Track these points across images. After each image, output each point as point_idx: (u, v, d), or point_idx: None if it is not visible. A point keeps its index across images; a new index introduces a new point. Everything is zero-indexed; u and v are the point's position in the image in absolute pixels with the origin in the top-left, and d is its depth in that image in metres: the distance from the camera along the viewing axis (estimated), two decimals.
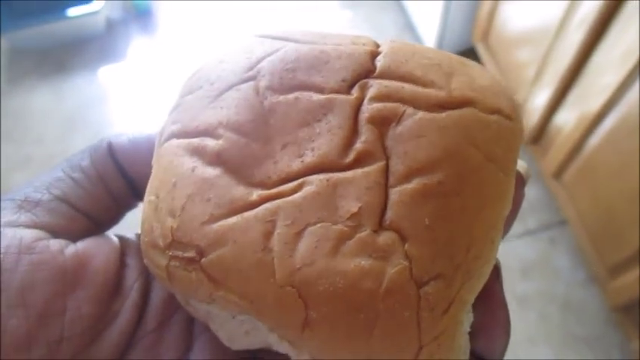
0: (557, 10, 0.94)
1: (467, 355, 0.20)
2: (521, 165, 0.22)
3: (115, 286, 0.21)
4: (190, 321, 0.23)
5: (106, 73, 1.56)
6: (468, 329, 0.20)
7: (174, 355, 0.22)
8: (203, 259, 0.18)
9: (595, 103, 0.89)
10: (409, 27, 1.58)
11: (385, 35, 1.54)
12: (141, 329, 0.22)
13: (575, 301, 1.13)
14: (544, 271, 1.17)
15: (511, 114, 0.21)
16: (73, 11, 1.52)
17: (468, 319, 0.20)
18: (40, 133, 1.44)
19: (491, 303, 0.21)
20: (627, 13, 0.79)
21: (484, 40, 1.28)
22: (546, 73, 1.02)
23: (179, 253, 0.19)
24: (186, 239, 0.19)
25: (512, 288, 1.15)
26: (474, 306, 0.20)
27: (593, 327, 1.10)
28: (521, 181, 0.21)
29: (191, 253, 0.19)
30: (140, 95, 1.50)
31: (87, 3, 1.53)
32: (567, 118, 1.00)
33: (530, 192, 1.27)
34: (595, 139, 0.93)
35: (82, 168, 0.22)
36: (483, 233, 0.19)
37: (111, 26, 1.65)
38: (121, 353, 0.21)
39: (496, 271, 0.21)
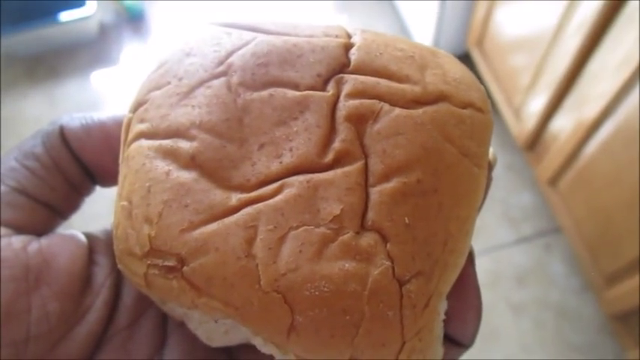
0: (553, 15, 0.93)
1: (441, 341, 0.20)
2: (489, 152, 0.22)
3: (83, 283, 0.21)
4: (164, 317, 0.23)
5: (98, 78, 1.55)
6: (443, 317, 0.20)
7: (147, 352, 0.22)
8: (185, 268, 0.18)
9: (591, 111, 0.88)
10: (404, 32, 1.58)
11: None
12: (112, 327, 0.21)
13: (569, 309, 1.13)
14: (539, 279, 1.17)
15: (482, 107, 0.21)
16: (65, 16, 1.51)
17: (442, 307, 0.20)
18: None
19: (464, 288, 0.21)
20: (624, 20, 0.78)
21: (479, 45, 1.28)
22: (542, 79, 1.02)
23: (158, 262, 0.18)
24: (165, 247, 0.18)
25: (508, 295, 1.14)
26: (448, 292, 0.20)
27: (588, 335, 1.10)
28: (489, 166, 0.22)
29: (171, 262, 0.18)
30: None
31: (79, 7, 1.51)
32: (563, 125, 1.00)
33: (525, 198, 1.26)
34: (591, 147, 0.92)
35: (35, 156, 0.21)
36: (459, 227, 0.19)
37: (103, 31, 1.64)
38: (91, 352, 0.20)
39: (470, 257, 0.21)
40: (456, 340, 0.21)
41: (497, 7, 1.14)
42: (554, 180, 1.07)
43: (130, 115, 0.21)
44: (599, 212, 0.94)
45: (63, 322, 0.20)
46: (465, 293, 0.21)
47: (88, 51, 1.60)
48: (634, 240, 0.85)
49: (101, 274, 0.21)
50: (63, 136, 0.22)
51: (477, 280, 0.22)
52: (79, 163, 0.22)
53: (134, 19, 1.66)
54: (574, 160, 0.98)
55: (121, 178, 0.20)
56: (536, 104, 1.05)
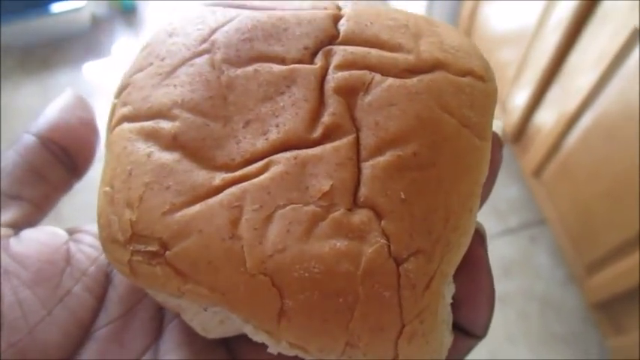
0: (533, 13, 0.95)
1: (450, 327, 0.19)
2: (497, 126, 0.20)
3: (58, 268, 0.20)
4: (160, 308, 0.22)
5: (90, 70, 1.55)
6: (450, 301, 0.19)
7: (142, 343, 0.21)
8: (167, 252, 0.17)
9: (571, 104, 0.90)
10: None
11: None
12: (101, 318, 0.21)
13: (554, 300, 1.14)
14: (524, 270, 1.18)
15: (483, 75, 0.20)
16: (57, 7, 1.50)
17: (449, 290, 0.19)
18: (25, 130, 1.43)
19: (474, 271, 0.20)
20: (599, 17, 0.80)
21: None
22: (525, 74, 1.03)
23: (141, 247, 0.18)
24: (147, 232, 0.17)
25: None
26: (456, 275, 0.19)
27: (572, 325, 1.11)
28: (497, 142, 0.20)
29: (154, 247, 0.17)
30: None
31: None
32: (546, 118, 1.01)
33: (511, 191, 1.28)
34: (572, 139, 0.94)
35: (6, 158, 0.22)
36: (461, 203, 0.18)
37: (95, 23, 1.64)
38: (79, 340, 0.20)
39: (480, 238, 0.20)
40: (467, 330, 0.20)
41: (482, 6, 1.16)
42: (538, 171, 1.09)
43: (115, 100, 0.20)
44: (580, 202, 0.96)
45: (39, 307, 0.20)
46: (475, 276, 0.20)
47: (80, 42, 1.60)
48: (613, 229, 0.87)
49: (84, 261, 0.21)
50: (35, 134, 0.22)
51: (489, 263, 0.20)
52: (56, 155, 0.22)
53: (126, 11, 1.66)
54: (556, 152, 0.99)
55: (104, 164, 0.20)
56: (521, 97, 1.07)
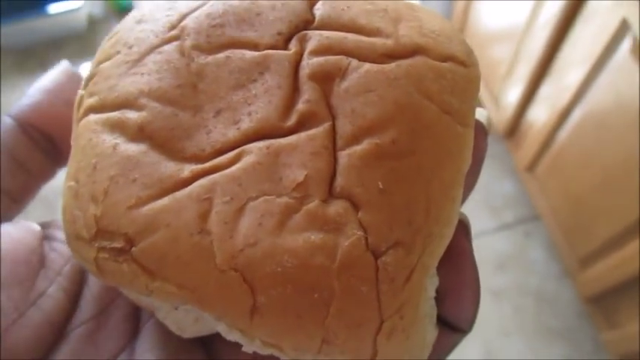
0: (524, 9, 0.96)
1: (434, 322, 0.18)
2: (481, 114, 0.20)
3: (33, 270, 0.20)
4: (136, 307, 0.21)
5: (87, 71, 1.56)
6: (434, 294, 0.18)
7: (117, 344, 0.20)
8: (133, 249, 0.16)
9: (563, 98, 0.91)
10: None
11: None
12: (75, 318, 0.20)
13: (549, 294, 1.14)
14: (519, 265, 1.18)
15: (465, 60, 0.19)
16: (54, 8, 1.51)
17: (432, 283, 0.18)
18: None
19: (458, 262, 0.19)
20: (589, 10, 0.81)
21: None
22: (517, 70, 1.04)
23: (106, 244, 0.17)
24: (112, 227, 0.16)
25: (488, 281, 1.16)
26: (440, 267, 0.18)
27: (567, 320, 1.11)
28: (482, 131, 0.20)
29: (119, 243, 0.16)
30: None
31: (68, 0, 1.53)
32: (539, 113, 1.02)
33: (506, 186, 1.28)
34: (564, 133, 0.95)
35: None
36: (443, 193, 0.17)
37: (92, 24, 1.65)
38: (51, 341, 0.19)
39: (464, 229, 0.19)
40: (452, 324, 0.19)
41: (474, 4, 1.17)
42: (531, 166, 1.09)
43: (82, 91, 0.20)
44: (572, 196, 0.96)
45: (11, 310, 0.19)
46: (460, 269, 0.19)
47: (76, 43, 1.61)
48: (605, 221, 0.87)
49: (59, 261, 0.20)
50: (14, 118, 0.21)
51: (474, 255, 0.19)
52: (37, 141, 0.21)
53: (123, 12, 1.67)
54: (548, 147, 1.00)
55: (70, 158, 0.19)
56: (514, 94, 1.08)
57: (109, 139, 0.17)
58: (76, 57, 1.58)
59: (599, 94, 0.82)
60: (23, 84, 1.52)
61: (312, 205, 0.16)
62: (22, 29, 1.52)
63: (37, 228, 0.21)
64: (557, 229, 1.04)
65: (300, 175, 0.16)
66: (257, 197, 0.16)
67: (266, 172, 0.16)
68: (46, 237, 0.21)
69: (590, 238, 0.93)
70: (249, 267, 0.15)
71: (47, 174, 0.22)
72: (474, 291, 0.19)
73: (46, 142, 0.22)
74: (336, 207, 0.16)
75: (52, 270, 0.20)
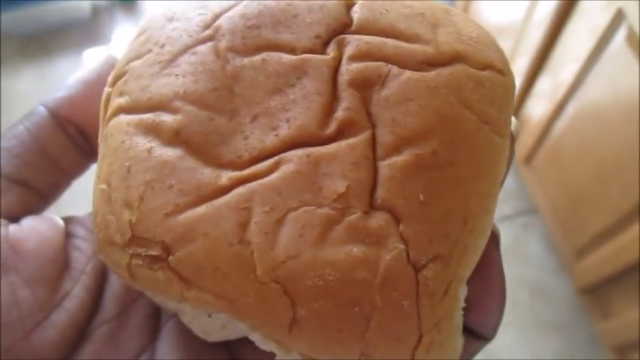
0: (519, 10, 0.98)
1: (460, 331, 0.18)
2: (512, 122, 0.20)
3: (59, 269, 0.19)
4: (156, 307, 0.21)
5: (90, 57, 1.56)
6: (463, 304, 0.18)
7: (138, 344, 0.20)
8: (170, 257, 0.16)
9: (559, 91, 0.92)
10: None
11: None
12: (98, 317, 0.20)
13: (545, 287, 1.15)
14: (516, 258, 1.19)
15: (503, 68, 0.18)
16: None
17: (462, 293, 0.18)
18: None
19: (486, 273, 0.19)
20: (582, 8, 0.82)
21: None
22: (515, 65, 1.05)
23: (141, 251, 0.16)
24: (148, 235, 0.16)
25: None
26: (469, 277, 0.18)
27: (563, 313, 1.12)
28: (512, 138, 0.20)
29: (156, 251, 0.16)
30: None
31: None
32: (536, 106, 1.03)
33: (507, 179, 1.29)
34: (560, 125, 0.95)
35: (14, 135, 0.20)
36: (480, 204, 0.17)
37: (96, 11, 1.64)
38: (74, 342, 0.19)
39: (494, 239, 0.19)
40: (475, 332, 0.19)
41: (473, 5, 1.20)
42: (528, 159, 1.10)
43: (109, 89, 0.19)
44: (568, 187, 0.97)
45: (37, 309, 0.18)
46: (488, 279, 0.19)
47: (80, 30, 1.60)
48: (600, 212, 0.88)
49: (82, 260, 0.20)
50: (48, 109, 0.20)
51: (502, 265, 0.19)
52: (72, 137, 0.21)
53: (127, 2, 1.67)
54: (545, 139, 1.01)
55: (99, 158, 0.18)
56: None
57: (143, 142, 0.17)
58: (80, 43, 1.58)
59: (595, 85, 0.83)
60: (26, 69, 1.52)
61: (354, 217, 0.16)
62: (26, 15, 1.52)
63: (62, 224, 0.20)
64: (553, 221, 1.05)
65: (341, 186, 0.16)
66: (297, 208, 0.16)
67: (306, 182, 0.16)
68: (67, 234, 0.20)
69: (585, 228, 0.94)
70: (291, 279, 0.15)
71: (79, 171, 0.22)
72: (501, 300, 0.19)
73: (81, 138, 0.21)
74: (378, 219, 0.16)
75: (76, 270, 0.20)
